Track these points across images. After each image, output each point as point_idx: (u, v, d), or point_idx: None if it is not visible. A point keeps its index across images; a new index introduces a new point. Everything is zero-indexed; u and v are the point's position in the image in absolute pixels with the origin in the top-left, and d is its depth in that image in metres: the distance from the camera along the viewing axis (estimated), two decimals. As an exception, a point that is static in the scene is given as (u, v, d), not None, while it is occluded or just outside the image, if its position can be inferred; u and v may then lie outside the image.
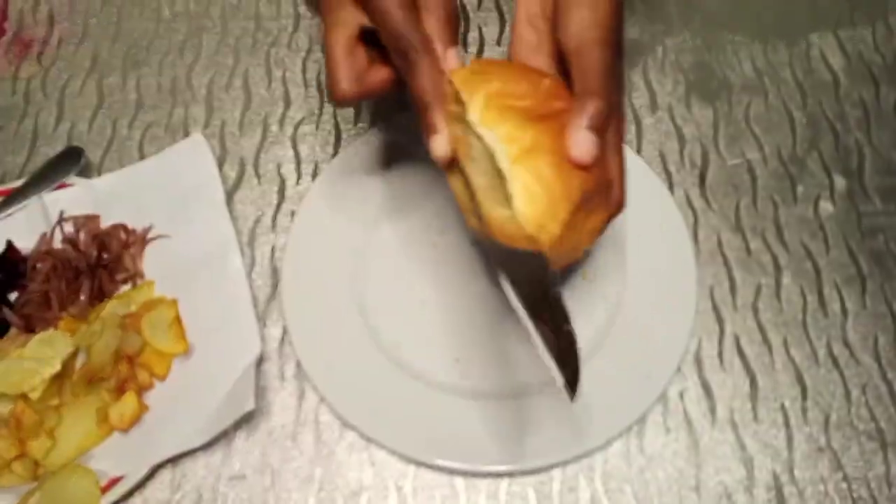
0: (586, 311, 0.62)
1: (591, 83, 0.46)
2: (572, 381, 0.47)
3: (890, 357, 0.61)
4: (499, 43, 0.78)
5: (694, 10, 0.79)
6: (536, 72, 0.49)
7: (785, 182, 0.69)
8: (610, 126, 0.48)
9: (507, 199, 0.44)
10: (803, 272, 0.64)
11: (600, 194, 0.48)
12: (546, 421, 0.57)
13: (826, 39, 0.77)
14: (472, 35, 0.78)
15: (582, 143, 0.45)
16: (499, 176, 0.45)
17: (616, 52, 0.47)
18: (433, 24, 0.51)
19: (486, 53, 0.77)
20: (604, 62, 0.46)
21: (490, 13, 0.79)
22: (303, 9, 0.80)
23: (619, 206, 0.50)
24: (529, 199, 0.44)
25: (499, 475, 0.56)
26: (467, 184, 0.48)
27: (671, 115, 0.72)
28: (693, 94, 0.74)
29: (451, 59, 0.50)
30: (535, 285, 0.50)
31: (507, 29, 0.78)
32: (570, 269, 0.64)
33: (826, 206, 0.67)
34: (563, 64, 0.48)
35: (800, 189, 0.68)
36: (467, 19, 0.79)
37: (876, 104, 0.73)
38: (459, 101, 0.47)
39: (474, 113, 0.46)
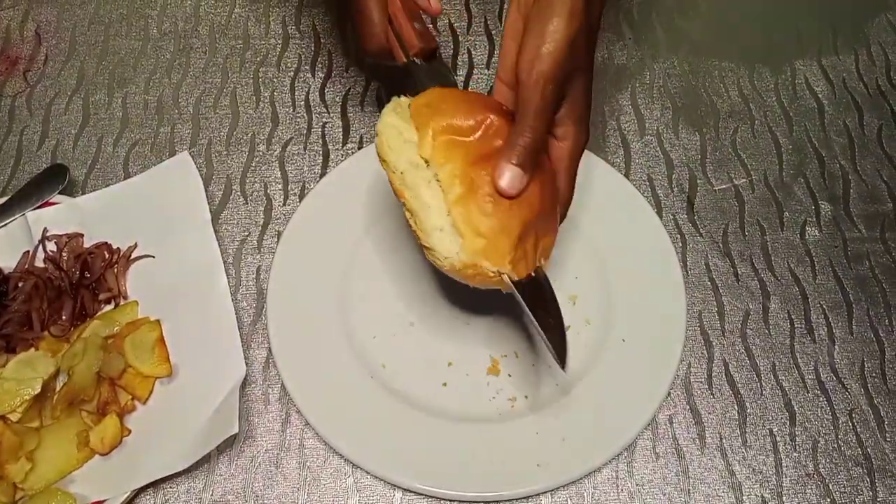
0: (574, 336, 0.61)
1: (526, 117, 0.48)
2: (561, 352, 0.50)
3: (876, 383, 0.61)
4: (488, 66, 0.78)
5: (681, 37, 0.80)
6: (488, 106, 0.51)
7: (771, 207, 0.69)
8: (563, 150, 0.51)
9: (450, 241, 0.48)
10: (791, 298, 0.64)
11: (547, 217, 0.51)
12: (534, 447, 0.57)
13: (810, 67, 0.78)
14: (462, 58, 0.78)
15: (507, 177, 0.48)
16: (443, 216, 0.48)
17: (562, 84, 0.48)
18: None
19: (476, 76, 0.77)
20: (543, 98, 0.48)
21: (479, 37, 0.80)
22: (291, 28, 0.80)
23: (565, 207, 0.53)
24: (469, 241, 0.47)
25: (486, 503, 0.56)
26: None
27: (659, 140, 0.73)
28: (681, 119, 0.74)
29: None
30: None
31: (497, 52, 0.78)
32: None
33: (812, 232, 0.68)
34: None
35: (786, 215, 0.69)
36: (457, 42, 0.80)
37: (860, 132, 0.74)
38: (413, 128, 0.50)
39: (424, 149, 0.49)
